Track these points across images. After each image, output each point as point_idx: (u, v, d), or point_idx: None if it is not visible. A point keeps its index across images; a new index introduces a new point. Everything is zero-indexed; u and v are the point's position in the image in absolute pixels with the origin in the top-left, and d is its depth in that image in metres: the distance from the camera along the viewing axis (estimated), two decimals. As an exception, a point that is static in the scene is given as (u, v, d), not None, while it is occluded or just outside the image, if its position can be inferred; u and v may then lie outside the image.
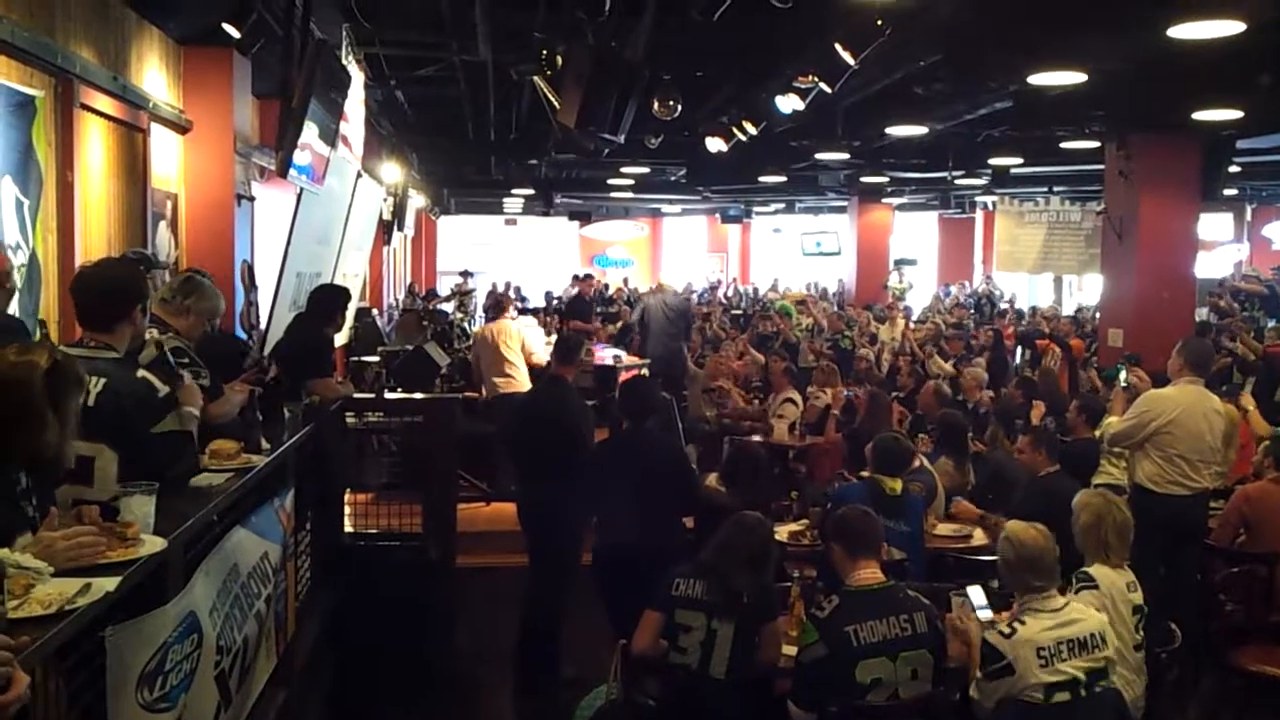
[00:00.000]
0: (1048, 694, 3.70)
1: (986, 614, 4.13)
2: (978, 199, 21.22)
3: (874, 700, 3.79)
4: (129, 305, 3.43)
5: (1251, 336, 11.41)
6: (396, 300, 17.70)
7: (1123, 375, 6.78)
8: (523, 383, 9.01)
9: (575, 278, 25.53)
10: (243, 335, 7.66)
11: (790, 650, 4.20)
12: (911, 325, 14.70)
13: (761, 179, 16.71)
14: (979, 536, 5.94)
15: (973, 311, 18.44)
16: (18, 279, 4.78)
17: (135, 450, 3.24)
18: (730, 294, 24.61)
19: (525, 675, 6.08)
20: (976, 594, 4.28)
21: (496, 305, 9.99)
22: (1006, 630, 3.82)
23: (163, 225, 7.14)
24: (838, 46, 6.79)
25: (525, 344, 9.24)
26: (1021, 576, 3.93)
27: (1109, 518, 4.30)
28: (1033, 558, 3.91)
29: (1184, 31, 6.44)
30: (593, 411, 6.60)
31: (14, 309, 4.60)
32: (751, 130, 9.71)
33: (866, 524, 4.15)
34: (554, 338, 12.08)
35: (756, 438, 8.77)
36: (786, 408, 9.28)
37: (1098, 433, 6.46)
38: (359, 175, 10.10)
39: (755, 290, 24.54)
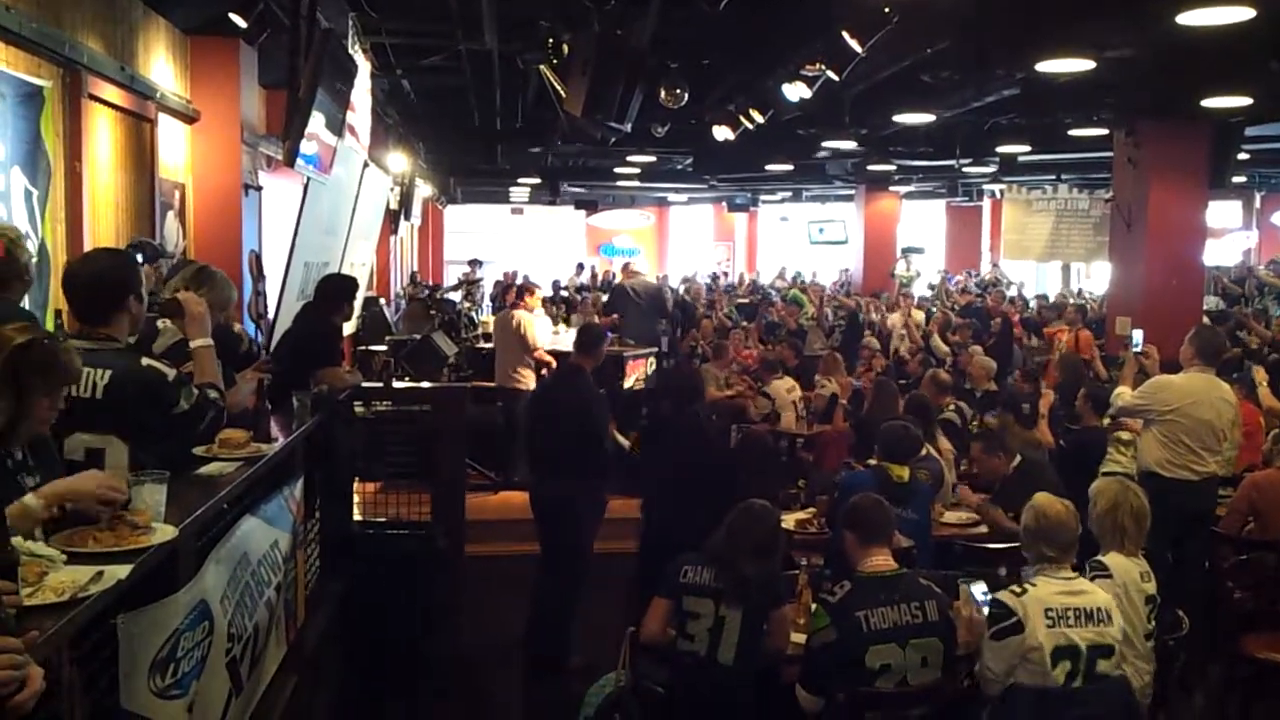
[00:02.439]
0: (1053, 660, 3.71)
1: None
2: (985, 187, 21.15)
3: (882, 686, 3.80)
4: (122, 296, 3.41)
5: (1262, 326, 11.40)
6: (403, 289, 17.71)
7: (1137, 335, 6.76)
8: (531, 382, 9.11)
9: (580, 266, 25.62)
10: (250, 325, 7.68)
11: (798, 638, 4.22)
12: (915, 312, 14.65)
13: (768, 167, 16.67)
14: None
15: (979, 295, 18.41)
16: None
17: (158, 433, 3.27)
18: (736, 282, 24.59)
19: (534, 663, 6.11)
20: (977, 590, 4.31)
21: (522, 294, 10.03)
22: (1018, 590, 3.88)
23: (170, 215, 7.16)
24: (845, 34, 6.78)
25: (531, 338, 9.27)
26: (1038, 544, 3.99)
27: (1125, 504, 4.31)
28: (1052, 528, 3.96)
29: (1193, 18, 6.42)
30: (607, 401, 6.62)
31: (24, 300, 4.63)
32: (758, 118, 9.69)
33: (879, 513, 4.16)
34: (560, 327, 12.15)
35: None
36: (759, 402, 9.33)
37: (1112, 396, 6.48)
38: (366, 165, 10.10)
39: (755, 278, 24.51)
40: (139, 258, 5.17)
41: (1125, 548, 4.27)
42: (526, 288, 10.66)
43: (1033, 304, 17.38)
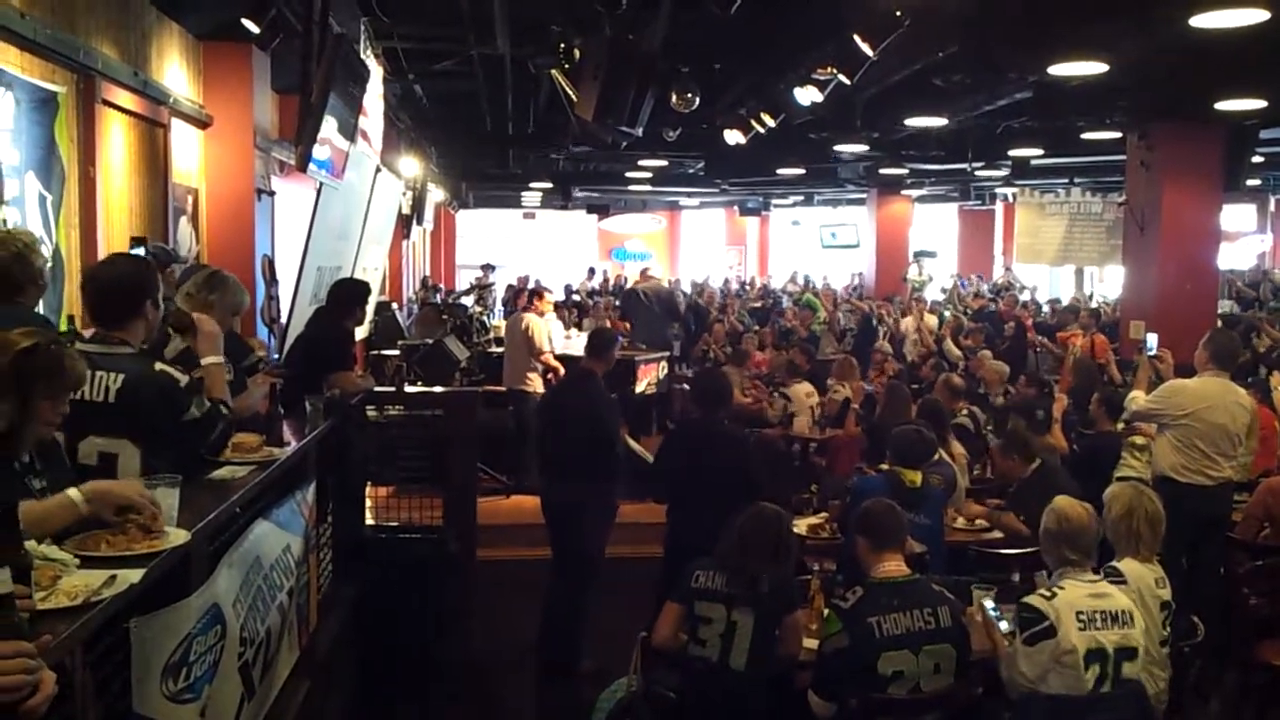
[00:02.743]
0: (1085, 663, 3.70)
1: (1005, 625, 4.14)
2: (998, 190, 21.11)
3: (895, 693, 3.79)
4: (140, 301, 3.43)
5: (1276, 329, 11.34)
6: (415, 294, 17.75)
7: (1151, 338, 6.73)
8: (538, 385, 9.09)
9: (591, 270, 25.65)
10: (263, 330, 7.70)
11: (810, 643, 4.21)
12: (928, 316, 14.61)
13: (780, 171, 16.67)
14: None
15: (991, 300, 18.36)
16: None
17: (169, 439, 3.27)
18: (748, 285, 24.56)
19: (546, 668, 6.11)
20: (988, 603, 4.31)
21: (533, 298, 10.02)
22: (1047, 593, 3.86)
23: (184, 220, 7.18)
24: (856, 38, 6.77)
25: (537, 341, 9.22)
26: (1059, 548, 3.98)
27: (1140, 509, 4.29)
28: (1074, 532, 3.96)
29: (1206, 20, 6.39)
30: (619, 405, 6.62)
31: (39, 305, 4.64)
32: (770, 122, 9.68)
33: (890, 518, 4.15)
34: (573, 332, 12.16)
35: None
36: (775, 401, 9.36)
37: (1126, 400, 6.46)
38: (378, 169, 10.13)
39: (767, 282, 24.50)
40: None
41: (1140, 553, 4.25)
42: (537, 292, 10.66)
43: (1045, 308, 17.32)
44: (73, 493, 2.62)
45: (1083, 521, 3.98)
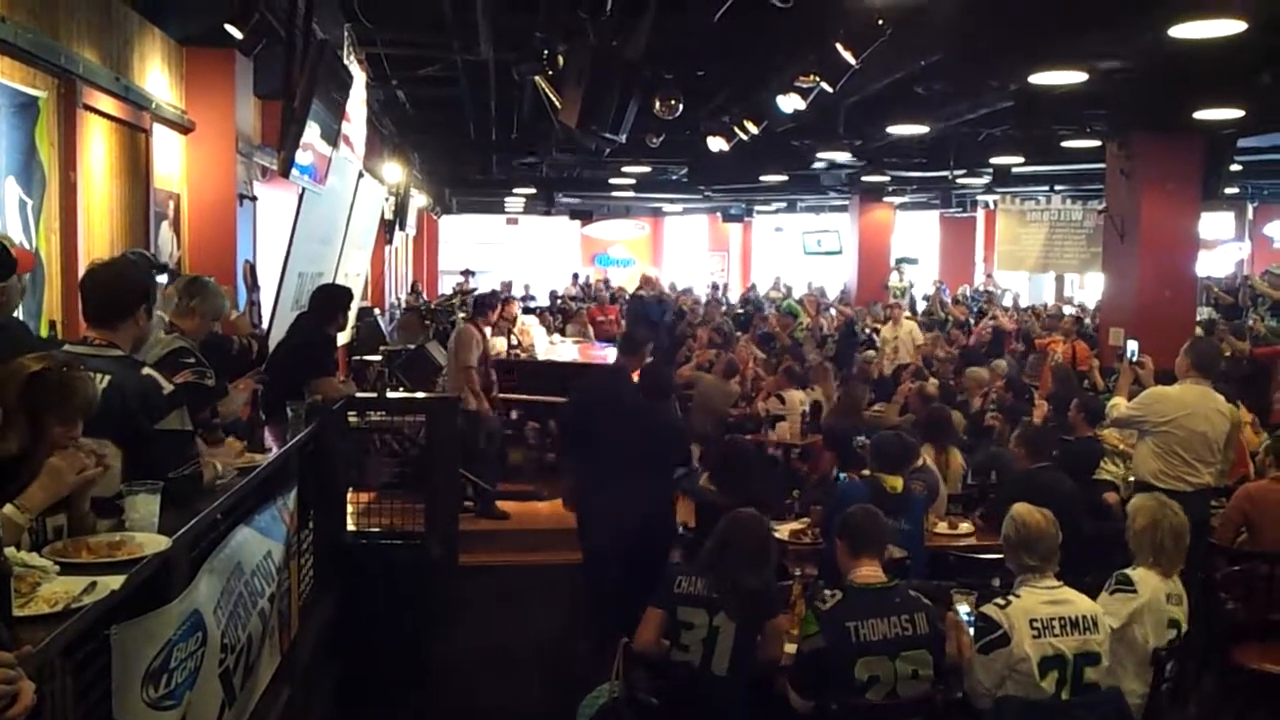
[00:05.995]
0: (1041, 671, 3.72)
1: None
2: (979, 198, 21.19)
3: (872, 698, 3.81)
4: (134, 303, 3.44)
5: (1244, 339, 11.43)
6: (399, 300, 17.70)
7: (1132, 345, 6.79)
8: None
9: (575, 276, 25.65)
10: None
11: (792, 648, 4.23)
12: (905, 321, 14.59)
13: (763, 178, 16.70)
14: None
15: (973, 311, 18.43)
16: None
17: (139, 447, 3.25)
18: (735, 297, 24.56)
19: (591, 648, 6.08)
20: (963, 609, 4.34)
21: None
22: (1002, 602, 3.91)
23: (165, 225, 7.15)
24: (838, 46, 6.80)
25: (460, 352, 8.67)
26: (1018, 554, 4.02)
27: (1165, 521, 4.31)
28: (1032, 538, 3.99)
29: (1185, 31, 6.45)
30: None
31: (19, 310, 4.62)
32: (753, 129, 9.71)
33: (870, 524, 4.17)
34: (556, 336, 12.16)
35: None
36: (771, 402, 9.40)
37: (1108, 407, 6.50)
38: (361, 175, 10.11)
39: (754, 287, 24.52)
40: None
41: (1160, 566, 4.25)
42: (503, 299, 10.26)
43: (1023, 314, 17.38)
44: (8, 509, 2.55)
45: (1040, 527, 4.00)
